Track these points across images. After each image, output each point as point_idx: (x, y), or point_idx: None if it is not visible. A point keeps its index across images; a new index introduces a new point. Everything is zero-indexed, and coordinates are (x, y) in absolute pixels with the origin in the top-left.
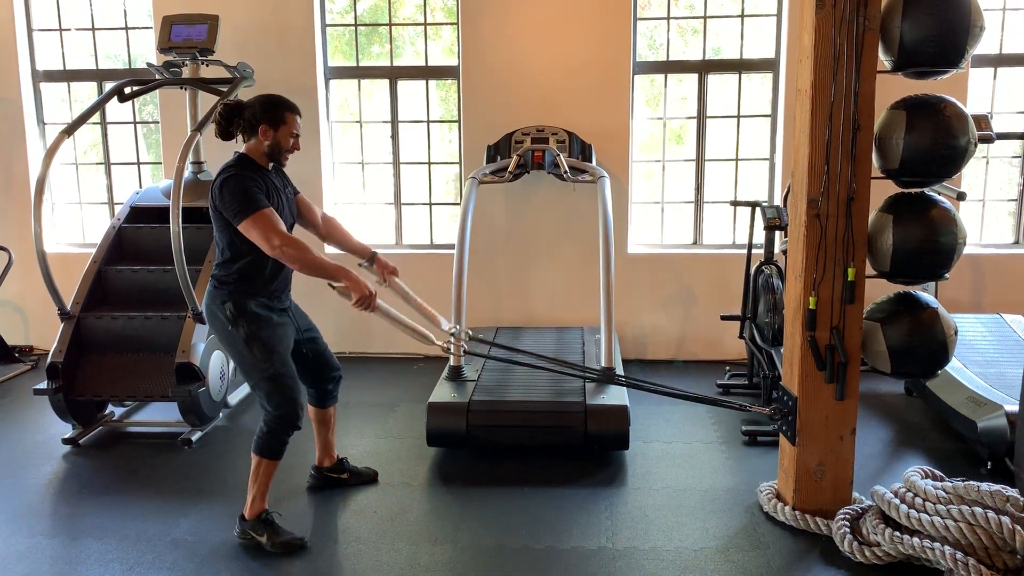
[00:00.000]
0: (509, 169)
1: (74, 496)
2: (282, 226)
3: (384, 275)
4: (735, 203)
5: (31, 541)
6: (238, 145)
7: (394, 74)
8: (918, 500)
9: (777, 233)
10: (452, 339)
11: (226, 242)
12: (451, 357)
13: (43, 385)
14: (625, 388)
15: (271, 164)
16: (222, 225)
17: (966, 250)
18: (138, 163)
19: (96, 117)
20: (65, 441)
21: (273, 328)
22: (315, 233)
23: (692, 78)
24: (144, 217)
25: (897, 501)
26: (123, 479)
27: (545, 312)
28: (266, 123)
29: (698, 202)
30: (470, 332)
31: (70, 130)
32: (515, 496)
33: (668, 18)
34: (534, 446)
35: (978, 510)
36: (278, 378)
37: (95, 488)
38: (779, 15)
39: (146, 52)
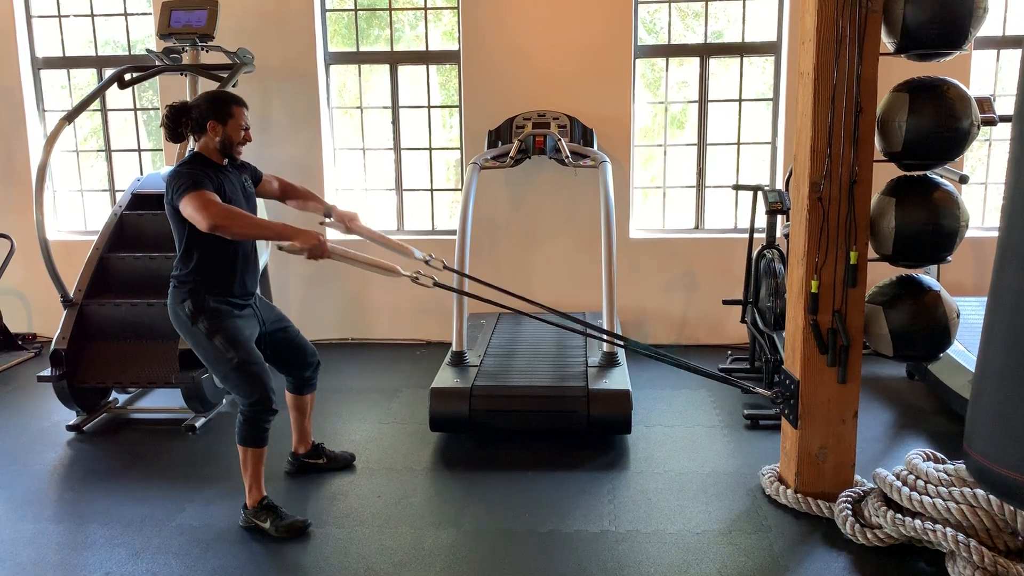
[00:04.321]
0: (510, 154)
1: (79, 482)
2: (218, 201)
3: (346, 224)
4: (737, 187)
5: (37, 527)
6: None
7: (394, 59)
8: (920, 482)
9: (779, 217)
10: (422, 271)
11: (182, 241)
12: (454, 341)
13: (47, 372)
14: (628, 373)
15: (226, 160)
16: (177, 223)
17: (969, 233)
18: (139, 150)
19: (96, 104)
20: (69, 428)
21: (233, 320)
22: (279, 200)
23: (693, 62)
24: (145, 204)
25: (899, 483)
26: (127, 465)
27: (547, 298)
28: (214, 119)
29: (700, 186)
30: (444, 261)
31: (70, 117)
32: (518, 480)
33: (669, 1)
34: (537, 430)
35: (980, 492)
36: (244, 366)
37: (100, 474)
38: None
39: (146, 38)
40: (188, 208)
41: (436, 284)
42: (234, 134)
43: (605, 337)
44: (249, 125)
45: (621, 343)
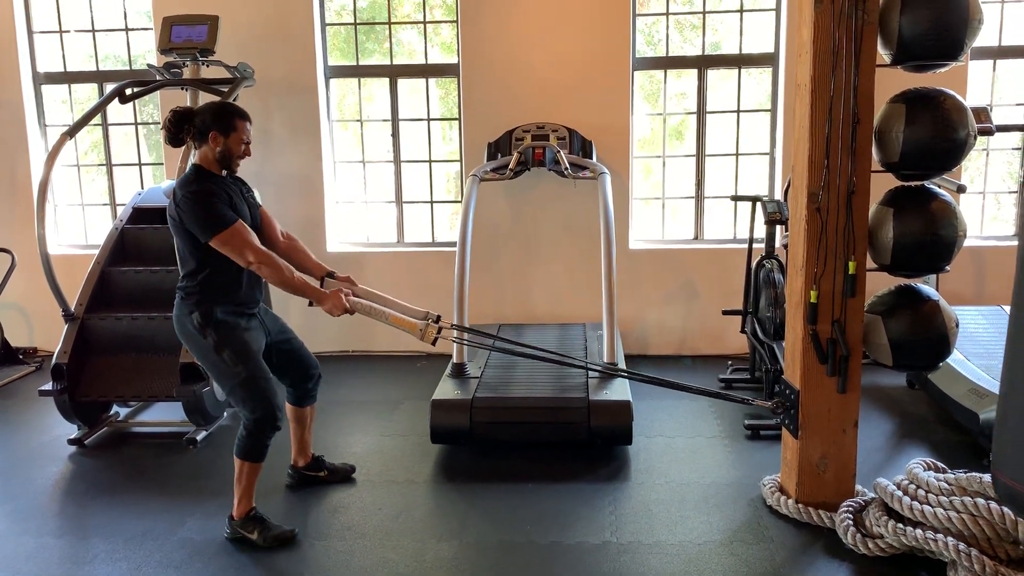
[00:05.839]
0: (510, 166)
1: (80, 496)
2: (255, 240)
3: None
4: (736, 198)
5: (39, 541)
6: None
7: (394, 72)
8: (921, 492)
9: (778, 227)
10: (432, 325)
11: (188, 253)
12: (454, 353)
13: (48, 386)
14: (628, 384)
15: (224, 171)
16: (183, 237)
17: (967, 242)
18: (139, 164)
19: (97, 118)
20: (70, 442)
21: (241, 333)
22: (274, 251)
23: (692, 73)
24: (146, 218)
25: (900, 493)
26: (129, 479)
27: (547, 309)
28: (216, 130)
29: (699, 197)
30: (450, 323)
31: (72, 132)
32: (519, 492)
33: (667, 14)
34: (538, 442)
35: (980, 501)
36: (252, 381)
37: (101, 488)
38: (778, 10)
39: (146, 53)
40: (227, 248)
41: (456, 340)
42: (235, 147)
43: (601, 370)
44: (250, 140)
45: (623, 374)
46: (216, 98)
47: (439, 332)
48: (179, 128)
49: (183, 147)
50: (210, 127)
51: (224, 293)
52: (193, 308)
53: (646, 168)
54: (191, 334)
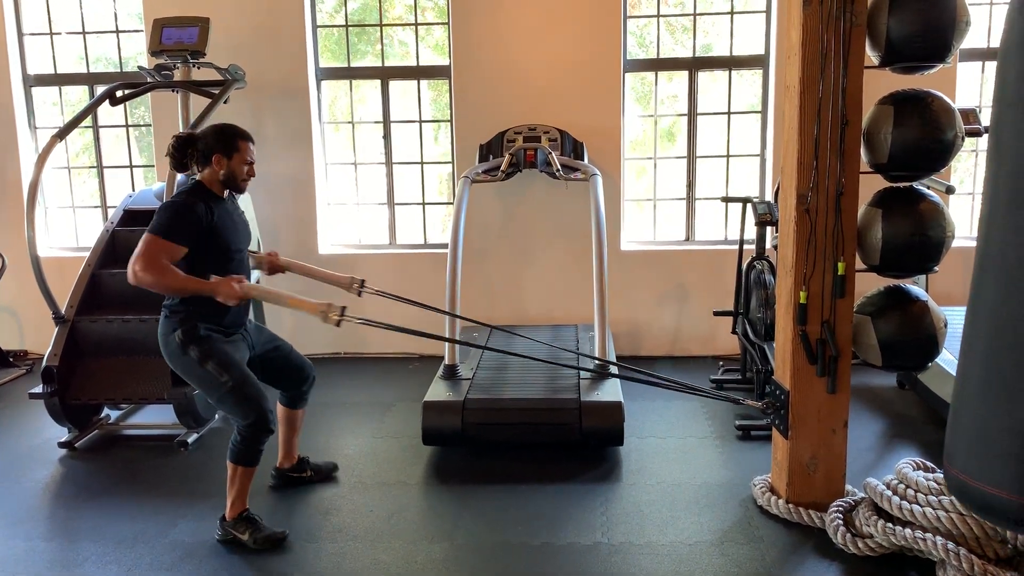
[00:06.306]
0: (502, 168)
1: (71, 499)
2: (163, 261)
3: (267, 264)
4: (726, 199)
5: (28, 544)
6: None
7: (385, 74)
8: (910, 491)
9: (768, 229)
10: (334, 308)
11: None
12: (446, 355)
13: (39, 389)
14: (619, 384)
15: (227, 192)
16: None
17: (956, 243)
18: (130, 166)
19: (88, 120)
20: (61, 445)
21: (223, 344)
22: None
23: (683, 75)
24: (138, 220)
25: (889, 493)
26: (120, 482)
27: (539, 310)
28: (219, 152)
29: (690, 199)
30: (371, 288)
31: (62, 134)
32: (511, 493)
33: (658, 16)
34: (530, 443)
35: None
36: (239, 388)
37: (92, 491)
38: (768, 12)
39: (137, 55)
40: (139, 249)
41: (362, 321)
42: (238, 168)
43: (591, 359)
44: (254, 160)
45: (605, 369)
46: (207, 100)
47: (342, 312)
48: (183, 153)
49: (188, 172)
50: (213, 150)
51: (208, 312)
52: (176, 326)
53: (638, 170)
54: (175, 352)
